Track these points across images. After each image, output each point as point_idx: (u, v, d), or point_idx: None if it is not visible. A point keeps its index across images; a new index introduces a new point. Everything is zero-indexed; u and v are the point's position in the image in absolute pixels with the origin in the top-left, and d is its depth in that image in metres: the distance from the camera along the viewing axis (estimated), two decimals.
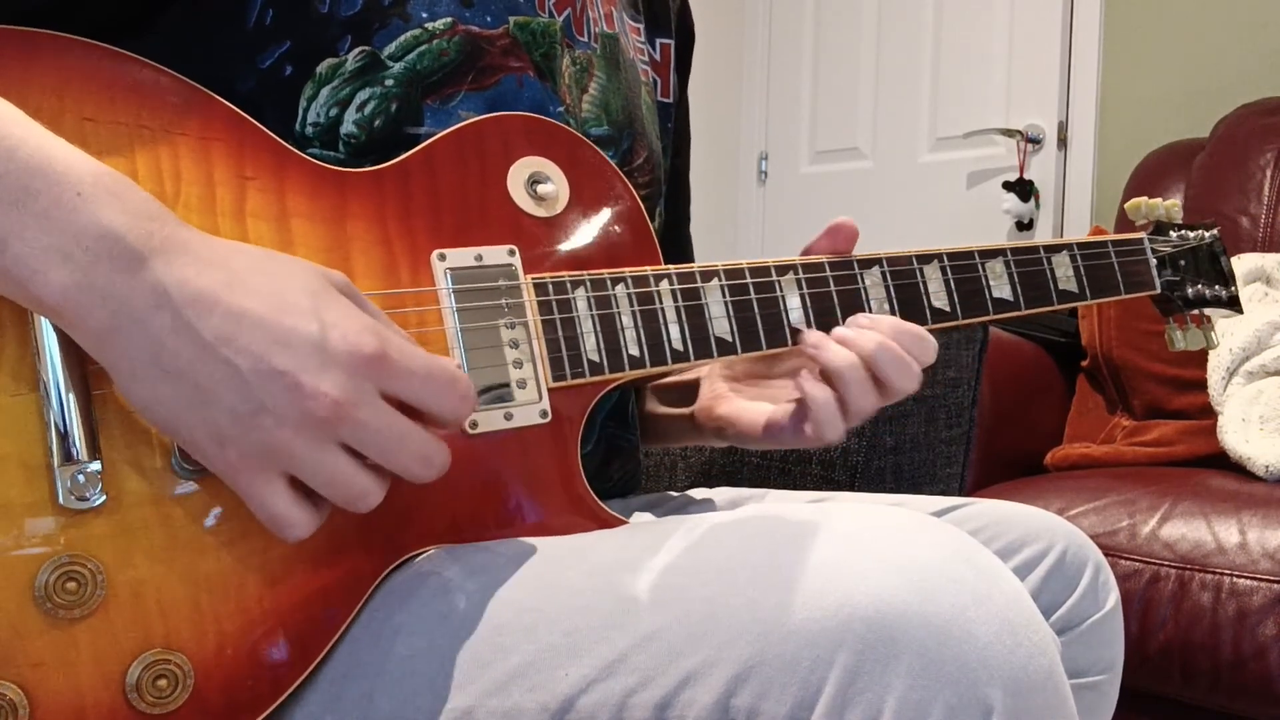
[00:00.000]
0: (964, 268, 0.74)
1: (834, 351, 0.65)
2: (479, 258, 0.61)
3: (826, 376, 0.66)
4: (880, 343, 0.65)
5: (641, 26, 0.85)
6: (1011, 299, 0.76)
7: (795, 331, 0.68)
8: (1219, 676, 1.20)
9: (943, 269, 0.74)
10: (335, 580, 0.55)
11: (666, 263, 0.93)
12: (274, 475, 0.48)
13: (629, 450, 0.81)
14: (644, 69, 0.83)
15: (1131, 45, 2.39)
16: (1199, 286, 0.88)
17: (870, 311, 0.71)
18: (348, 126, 0.63)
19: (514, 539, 0.59)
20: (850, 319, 0.68)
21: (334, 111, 0.63)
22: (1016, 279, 0.76)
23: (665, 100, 0.87)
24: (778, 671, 0.46)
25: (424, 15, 0.65)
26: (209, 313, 0.47)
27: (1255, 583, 1.19)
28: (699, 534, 0.53)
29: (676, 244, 0.95)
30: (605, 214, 0.66)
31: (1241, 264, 1.65)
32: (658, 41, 0.87)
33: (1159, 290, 0.85)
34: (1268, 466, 1.41)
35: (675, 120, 0.90)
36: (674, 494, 0.87)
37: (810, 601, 0.46)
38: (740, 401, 0.75)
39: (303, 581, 0.54)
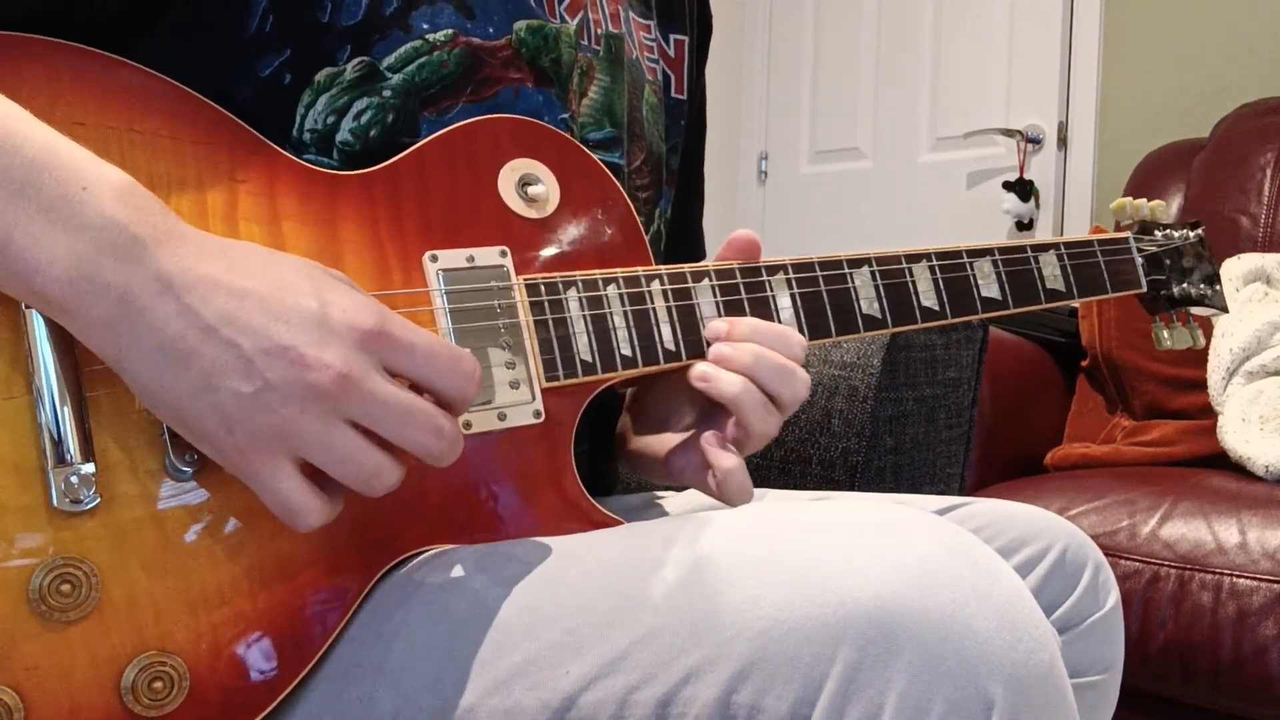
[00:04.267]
0: (953, 267, 0.75)
1: (725, 381, 0.64)
2: (471, 259, 0.61)
3: (724, 406, 0.64)
4: (757, 353, 0.64)
5: (652, 24, 0.84)
6: (1000, 298, 0.77)
7: (706, 344, 0.66)
8: (1219, 676, 1.20)
9: (931, 268, 0.74)
10: (330, 581, 0.55)
11: (676, 257, 0.93)
12: (283, 459, 0.48)
13: (608, 448, 0.82)
14: (651, 67, 0.83)
15: (1131, 45, 2.38)
16: (1185, 285, 0.89)
17: (860, 312, 0.71)
18: (343, 135, 0.63)
19: (513, 539, 0.59)
20: (710, 328, 0.66)
21: (331, 119, 0.63)
22: (1004, 278, 0.77)
23: (679, 97, 0.86)
24: (779, 668, 0.46)
25: (425, 26, 0.64)
26: (211, 296, 0.47)
27: (1255, 583, 1.19)
28: (699, 532, 0.53)
29: (687, 242, 0.94)
30: (596, 215, 0.66)
31: (1241, 264, 1.65)
32: (671, 38, 0.86)
33: (1145, 289, 0.87)
34: (1268, 466, 1.41)
35: (689, 115, 0.89)
36: (673, 493, 0.87)
37: (811, 598, 0.46)
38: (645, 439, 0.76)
39: (298, 582, 0.54)
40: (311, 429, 0.48)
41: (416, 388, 0.52)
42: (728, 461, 0.64)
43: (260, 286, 0.49)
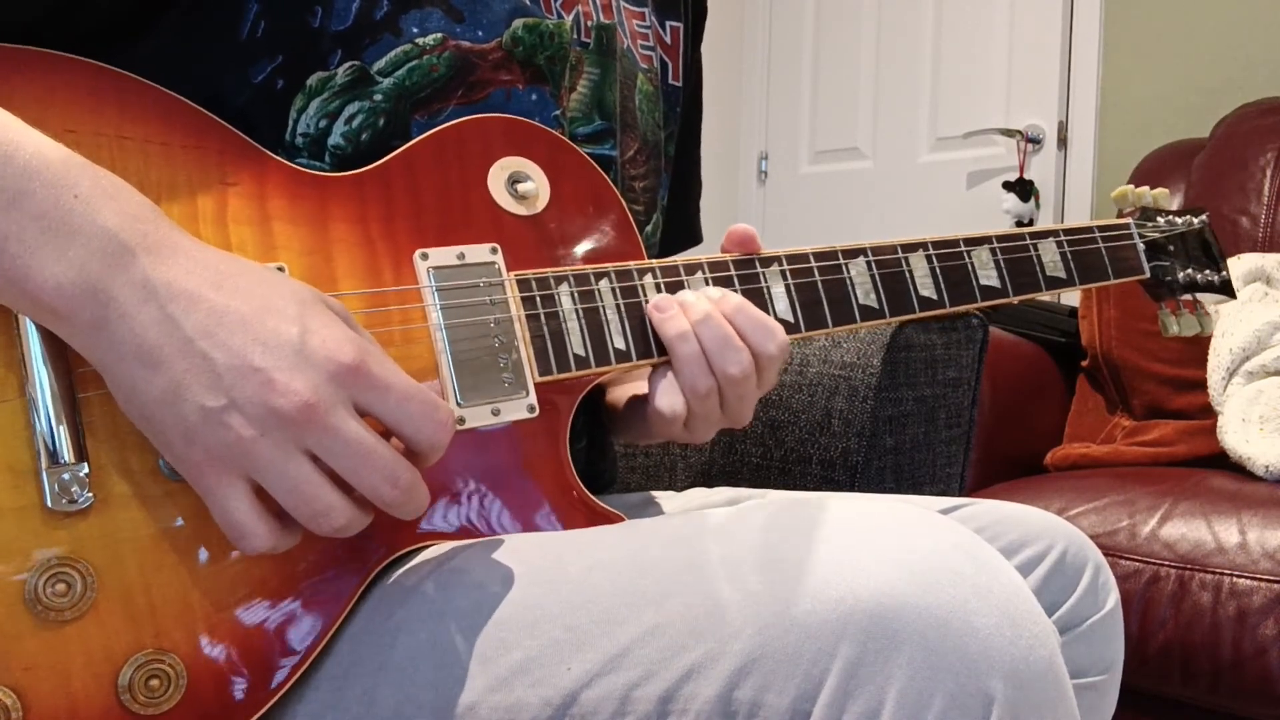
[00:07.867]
0: (950, 256, 0.74)
1: (672, 320, 0.64)
2: (461, 256, 0.61)
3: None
4: (708, 313, 0.64)
5: (646, 10, 0.83)
6: (999, 286, 0.76)
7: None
8: (1219, 676, 1.20)
9: (928, 258, 0.74)
10: (327, 578, 0.55)
11: (673, 241, 0.93)
12: (237, 479, 0.48)
13: (605, 444, 0.82)
14: (646, 54, 0.83)
15: (1131, 45, 2.38)
16: (1189, 271, 0.88)
17: (856, 302, 0.71)
18: (335, 138, 0.63)
19: (513, 535, 0.60)
20: (705, 290, 0.66)
21: (323, 123, 0.63)
22: (1003, 266, 0.76)
23: (675, 84, 0.86)
24: (780, 664, 0.46)
25: (415, 31, 0.65)
26: (193, 308, 0.47)
27: (1255, 583, 1.19)
28: (700, 528, 0.53)
29: (683, 223, 0.94)
30: (587, 211, 0.67)
31: (1241, 264, 1.65)
32: (667, 24, 0.86)
33: (1148, 275, 0.85)
34: (1268, 466, 1.41)
35: (684, 98, 0.89)
36: (672, 493, 0.87)
37: (812, 594, 0.46)
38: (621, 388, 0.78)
39: (295, 579, 0.54)
40: (268, 454, 0.47)
41: (390, 433, 0.51)
42: (666, 389, 0.64)
43: (245, 306, 0.48)
